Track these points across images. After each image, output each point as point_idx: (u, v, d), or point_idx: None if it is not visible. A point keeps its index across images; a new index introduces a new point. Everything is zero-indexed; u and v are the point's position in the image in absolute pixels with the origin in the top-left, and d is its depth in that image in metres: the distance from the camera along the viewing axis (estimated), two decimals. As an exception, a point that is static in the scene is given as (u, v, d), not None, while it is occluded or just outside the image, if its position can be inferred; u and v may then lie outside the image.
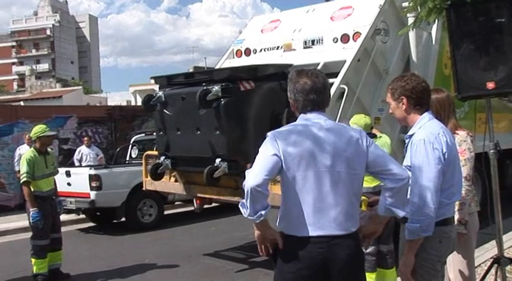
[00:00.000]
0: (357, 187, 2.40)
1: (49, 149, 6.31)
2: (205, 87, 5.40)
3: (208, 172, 5.36)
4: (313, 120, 2.42)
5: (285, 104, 4.30)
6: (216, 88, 5.33)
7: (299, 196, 2.33)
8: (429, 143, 2.59)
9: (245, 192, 2.27)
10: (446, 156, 2.60)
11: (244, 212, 2.31)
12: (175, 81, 6.17)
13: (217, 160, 5.41)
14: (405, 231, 2.64)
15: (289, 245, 2.37)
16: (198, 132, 5.66)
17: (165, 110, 5.98)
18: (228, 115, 5.38)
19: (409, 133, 2.75)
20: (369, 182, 4.33)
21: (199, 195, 6.27)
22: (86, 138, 11.77)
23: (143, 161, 7.01)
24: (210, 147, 5.51)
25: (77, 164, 11.16)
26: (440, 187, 2.58)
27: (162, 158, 6.11)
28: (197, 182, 6.09)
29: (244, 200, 2.30)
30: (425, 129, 2.67)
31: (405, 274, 2.67)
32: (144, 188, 7.07)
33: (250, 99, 5.50)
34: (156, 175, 6.24)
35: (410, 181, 2.49)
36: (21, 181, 5.93)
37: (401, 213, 2.43)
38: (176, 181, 6.48)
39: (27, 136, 11.11)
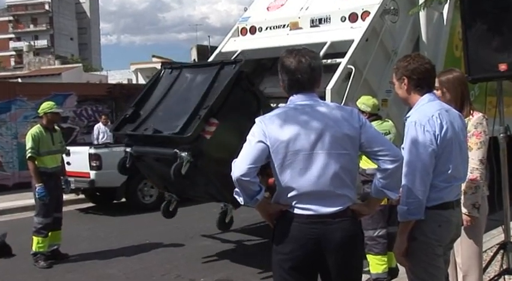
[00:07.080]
0: (350, 167, 2.38)
1: (56, 127, 6.26)
2: (177, 163, 4.83)
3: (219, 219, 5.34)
4: (301, 102, 2.40)
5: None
6: (185, 156, 4.82)
7: (290, 179, 2.32)
8: (420, 125, 2.55)
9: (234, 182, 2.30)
10: (440, 138, 2.55)
11: (240, 200, 2.36)
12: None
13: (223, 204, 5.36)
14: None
15: (282, 225, 2.38)
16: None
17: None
18: (209, 170, 5.01)
19: (407, 115, 2.72)
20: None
21: None
22: (103, 117, 12.12)
23: None
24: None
25: (95, 142, 11.24)
26: (432, 169, 2.54)
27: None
28: None
29: (237, 189, 2.33)
30: (420, 111, 2.63)
31: (398, 256, 2.67)
32: None
33: (222, 137, 4.94)
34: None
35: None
36: (27, 157, 5.89)
37: (393, 195, 2.42)
38: None
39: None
